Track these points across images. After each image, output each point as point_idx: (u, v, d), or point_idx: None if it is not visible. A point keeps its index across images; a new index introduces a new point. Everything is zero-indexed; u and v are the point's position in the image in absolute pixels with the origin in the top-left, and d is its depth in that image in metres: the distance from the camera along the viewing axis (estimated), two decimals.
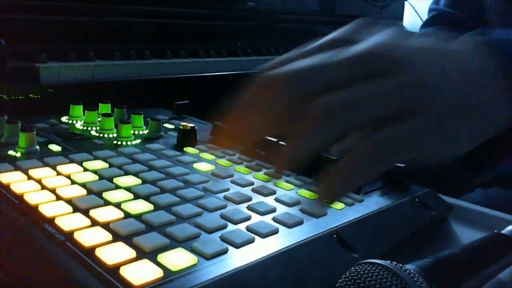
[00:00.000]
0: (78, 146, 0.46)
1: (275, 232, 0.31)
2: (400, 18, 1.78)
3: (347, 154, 0.25)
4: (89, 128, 0.53)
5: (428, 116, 0.25)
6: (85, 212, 0.31)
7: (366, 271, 0.24)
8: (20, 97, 0.65)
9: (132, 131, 0.51)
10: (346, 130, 0.25)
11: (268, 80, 0.26)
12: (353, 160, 0.25)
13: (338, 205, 0.37)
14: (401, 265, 0.25)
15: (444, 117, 0.26)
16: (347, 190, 0.28)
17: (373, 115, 0.25)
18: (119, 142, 0.49)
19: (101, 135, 0.51)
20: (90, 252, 0.27)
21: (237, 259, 0.27)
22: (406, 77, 0.25)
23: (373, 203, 0.39)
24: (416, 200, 0.41)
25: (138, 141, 0.50)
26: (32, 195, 0.33)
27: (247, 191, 0.38)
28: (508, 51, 0.28)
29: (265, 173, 0.41)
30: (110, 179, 0.37)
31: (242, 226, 0.31)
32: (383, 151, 0.25)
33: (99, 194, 0.34)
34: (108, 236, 0.28)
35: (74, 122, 0.54)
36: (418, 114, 0.25)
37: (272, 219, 0.33)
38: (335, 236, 0.32)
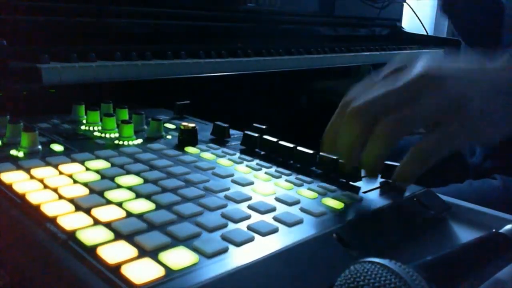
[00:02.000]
0: (80, 146, 0.46)
1: (275, 231, 0.31)
2: (399, 19, 1.78)
3: (411, 151, 0.36)
4: (91, 128, 0.53)
5: (464, 120, 0.35)
6: (87, 211, 0.31)
7: (366, 270, 0.25)
8: (22, 98, 0.65)
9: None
10: (407, 134, 0.36)
11: (350, 112, 0.37)
12: (417, 152, 0.36)
13: (338, 205, 0.37)
14: (400, 264, 0.25)
15: (476, 120, 0.36)
16: (415, 172, 0.37)
17: (425, 123, 0.36)
18: (120, 142, 0.49)
19: (103, 135, 0.51)
20: (92, 251, 0.27)
21: (238, 257, 0.28)
22: (448, 91, 0.35)
23: (372, 202, 0.39)
24: (415, 199, 0.42)
25: (139, 141, 0.50)
26: (35, 194, 0.33)
27: (247, 190, 0.38)
28: None
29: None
30: (112, 179, 0.38)
31: (243, 225, 0.32)
32: (435, 147, 0.36)
33: (101, 194, 0.34)
34: (110, 235, 0.28)
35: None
36: (457, 119, 0.35)
37: (272, 218, 0.33)
38: (334, 235, 0.32)
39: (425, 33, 1.68)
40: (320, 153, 0.44)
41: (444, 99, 0.36)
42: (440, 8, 1.00)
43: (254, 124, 0.53)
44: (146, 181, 0.38)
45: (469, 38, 1.01)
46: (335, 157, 0.43)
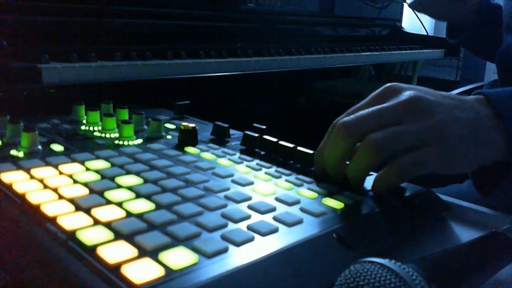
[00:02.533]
0: (80, 146, 0.46)
1: (275, 231, 0.31)
2: (399, 19, 1.78)
3: (390, 165, 0.39)
4: (91, 128, 0.53)
5: (442, 146, 0.38)
6: (87, 211, 0.31)
7: (366, 270, 0.25)
8: (22, 98, 0.65)
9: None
10: (389, 153, 0.38)
11: (338, 127, 0.40)
12: (394, 167, 0.39)
13: (338, 204, 0.37)
14: (400, 263, 0.25)
15: (453, 148, 0.39)
16: (390, 184, 0.40)
17: (406, 145, 0.38)
18: (120, 142, 0.49)
19: (103, 135, 0.51)
20: (92, 250, 0.27)
21: (238, 257, 0.28)
22: (433, 117, 0.39)
23: (372, 202, 0.39)
24: (415, 199, 0.42)
25: (139, 141, 0.50)
26: (35, 194, 0.33)
27: (247, 190, 0.38)
28: (502, 104, 0.41)
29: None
30: (112, 179, 0.38)
31: (243, 225, 0.32)
32: (413, 166, 0.38)
33: (101, 194, 0.34)
34: (110, 235, 0.28)
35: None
36: (436, 144, 0.38)
37: (272, 218, 0.33)
38: (334, 235, 0.32)
39: (425, 33, 1.68)
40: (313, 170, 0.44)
41: (428, 123, 0.38)
42: (447, 36, 1.03)
43: (254, 124, 0.53)
44: (146, 181, 0.38)
45: (473, 48, 1.03)
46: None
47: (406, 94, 0.40)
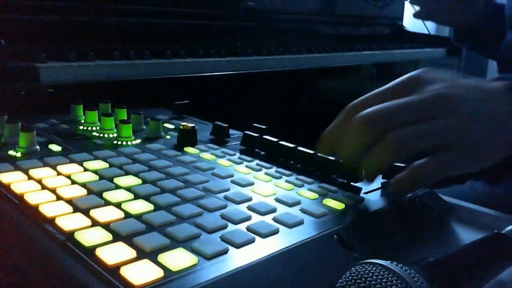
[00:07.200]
0: (78, 146, 0.46)
1: (275, 232, 0.31)
2: (401, 18, 1.78)
3: (412, 170, 0.37)
4: (90, 128, 0.53)
5: (465, 149, 0.37)
6: (86, 212, 0.31)
7: (367, 271, 0.24)
8: (20, 97, 0.65)
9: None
10: (411, 153, 0.37)
11: (361, 118, 0.37)
12: (416, 171, 0.37)
13: (338, 205, 0.37)
14: (401, 265, 0.25)
15: (477, 148, 0.38)
16: (410, 189, 0.40)
17: (429, 145, 0.37)
18: (119, 142, 0.49)
19: (101, 135, 0.51)
20: (90, 252, 0.27)
21: (238, 259, 0.27)
22: (459, 116, 0.37)
23: (374, 203, 0.39)
24: (416, 200, 0.41)
25: (138, 141, 0.50)
26: (33, 195, 0.33)
27: (247, 191, 0.38)
28: None
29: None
30: (111, 179, 0.37)
31: (243, 226, 0.31)
32: (436, 173, 0.37)
33: (99, 194, 0.34)
34: (109, 236, 0.28)
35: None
36: (457, 146, 0.37)
37: (272, 219, 0.33)
38: (335, 236, 0.32)
39: (427, 32, 1.68)
40: (318, 154, 0.44)
41: (453, 123, 0.37)
42: (455, 41, 1.03)
43: (254, 124, 0.53)
44: (145, 181, 0.38)
45: (481, 49, 1.04)
46: (333, 159, 0.43)
47: (432, 89, 0.38)
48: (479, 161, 0.39)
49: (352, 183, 0.42)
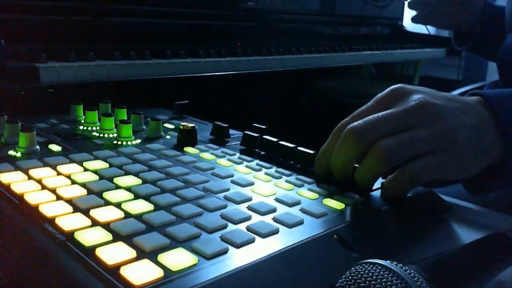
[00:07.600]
0: (78, 146, 0.46)
1: (275, 232, 0.31)
2: (400, 18, 1.78)
3: (401, 171, 0.39)
4: (89, 128, 0.53)
5: (452, 152, 0.38)
6: (86, 212, 0.31)
7: (367, 271, 0.24)
8: (20, 97, 0.65)
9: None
10: (399, 161, 0.38)
11: (348, 132, 0.39)
12: (405, 173, 0.39)
13: (338, 205, 0.37)
14: (401, 265, 0.25)
15: (462, 153, 0.39)
16: (401, 190, 0.40)
17: (417, 152, 0.38)
18: (119, 142, 0.49)
19: (101, 135, 0.51)
20: (90, 252, 0.27)
21: (237, 259, 0.27)
22: (443, 122, 0.39)
23: (373, 203, 0.39)
24: (416, 200, 0.41)
25: (138, 141, 0.50)
26: (33, 195, 0.33)
27: (247, 191, 0.38)
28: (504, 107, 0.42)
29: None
30: (111, 179, 0.37)
31: (242, 226, 0.31)
32: (424, 173, 0.38)
33: (99, 194, 0.34)
34: (109, 236, 0.28)
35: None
36: (446, 151, 0.38)
37: (272, 219, 0.33)
38: (335, 236, 0.32)
39: (427, 32, 1.68)
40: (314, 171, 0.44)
41: (438, 129, 0.38)
42: (455, 44, 1.04)
43: (254, 124, 0.53)
44: (145, 181, 0.38)
45: (481, 52, 1.04)
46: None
47: (414, 99, 0.40)
48: (465, 168, 0.40)
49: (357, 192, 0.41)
